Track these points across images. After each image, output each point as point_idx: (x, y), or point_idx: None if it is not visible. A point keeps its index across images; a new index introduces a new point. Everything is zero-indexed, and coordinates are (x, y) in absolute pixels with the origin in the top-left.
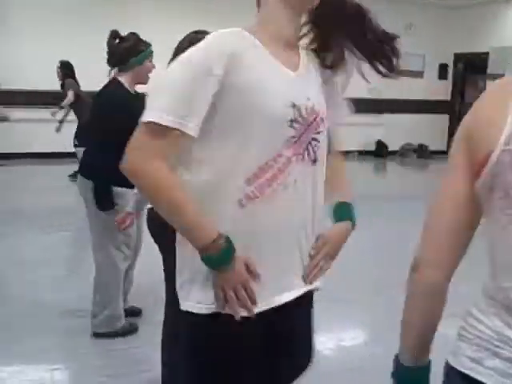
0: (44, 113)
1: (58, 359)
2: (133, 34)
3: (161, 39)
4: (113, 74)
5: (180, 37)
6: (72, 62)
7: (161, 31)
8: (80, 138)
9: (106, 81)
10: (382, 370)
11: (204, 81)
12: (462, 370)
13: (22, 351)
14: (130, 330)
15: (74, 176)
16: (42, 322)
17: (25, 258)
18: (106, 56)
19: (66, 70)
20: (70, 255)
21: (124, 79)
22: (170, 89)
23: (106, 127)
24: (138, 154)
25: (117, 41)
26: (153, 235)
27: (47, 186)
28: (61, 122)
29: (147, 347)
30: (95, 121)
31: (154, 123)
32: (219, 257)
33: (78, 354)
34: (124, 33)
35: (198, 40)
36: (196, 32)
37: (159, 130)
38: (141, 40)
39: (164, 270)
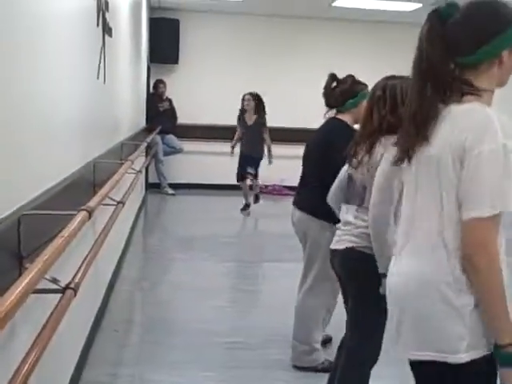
0: (214, 146)
1: None
2: (350, 76)
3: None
4: (331, 114)
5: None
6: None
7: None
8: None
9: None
10: None
11: None
12: None
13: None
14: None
15: (244, 209)
16: (198, 351)
17: (194, 284)
18: (285, 91)
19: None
20: (231, 286)
21: (344, 118)
22: None
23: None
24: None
25: (334, 83)
26: (349, 275)
27: (217, 216)
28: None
29: None
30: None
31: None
32: None
33: None
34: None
35: (393, 87)
36: (387, 78)
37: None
38: (357, 82)
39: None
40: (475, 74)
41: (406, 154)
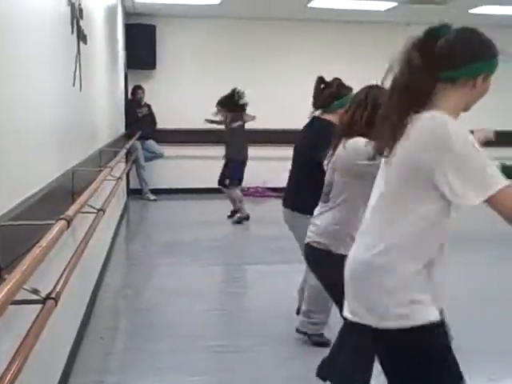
0: (194, 150)
1: None
2: (336, 79)
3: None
4: (316, 114)
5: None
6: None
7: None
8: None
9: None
10: None
11: None
12: None
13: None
14: (323, 343)
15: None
16: (184, 356)
17: (178, 289)
18: (261, 95)
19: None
20: (216, 289)
21: (329, 118)
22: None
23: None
24: None
25: (322, 86)
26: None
27: (200, 220)
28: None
29: None
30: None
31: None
32: None
33: None
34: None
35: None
36: (370, 87)
37: None
38: (343, 85)
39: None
40: (450, 89)
41: (378, 153)
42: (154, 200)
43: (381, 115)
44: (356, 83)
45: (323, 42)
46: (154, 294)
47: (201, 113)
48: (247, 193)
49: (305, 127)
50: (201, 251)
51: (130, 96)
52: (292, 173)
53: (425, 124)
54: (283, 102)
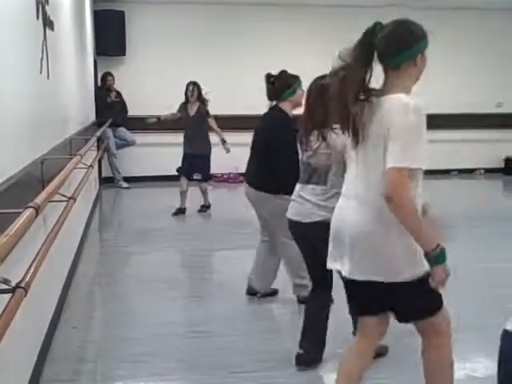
0: (166, 137)
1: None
2: (283, 71)
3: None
4: (272, 104)
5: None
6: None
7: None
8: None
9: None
10: None
11: None
12: None
13: (145, 370)
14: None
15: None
16: (160, 343)
17: (151, 276)
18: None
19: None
20: (190, 276)
21: (283, 106)
22: None
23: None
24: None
25: (271, 80)
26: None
27: (173, 207)
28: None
29: None
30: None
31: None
32: (442, 255)
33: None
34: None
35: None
36: (320, 78)
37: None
38: (290, 75)
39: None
40: (398, 73)
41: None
42: (127, 188)
43: (335, 104)
44: (315, 67)
45: (285, 26)
46: (128, 281)
47: (172, 99)
48: (221, 179)
49: (264, 115)
50: (173, 238)
51: (100, 83)
52: (253, 156)
53: (390, 103)
54: (248, 87)
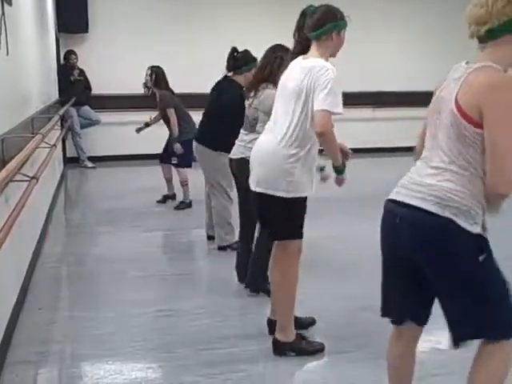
0: (133, 116)
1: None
2: (246, 50)
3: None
4: (228, 75)
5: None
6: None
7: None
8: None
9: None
10: None
11: None
12: None
13: (112, 349)
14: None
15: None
16: (126, 323)
17: (118, 256)
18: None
19: (159, 76)
20: (157, 255)
21: (237, 79)
22: None
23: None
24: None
25: (235, 53)
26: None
27: (139, 186)
28: (147, 125)
29: None
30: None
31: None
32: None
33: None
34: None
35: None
36: (276, 46)
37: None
38: (251, 54)
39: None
40: (318, 44)
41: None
42: (93, 167)
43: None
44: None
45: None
46: (94, 261)
47: (137, 77)
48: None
49: (217, 83)
50: (141, 217)
51: (62, 61)
52: (203, 116)
53: (312, 63)
54: (210, 65)
